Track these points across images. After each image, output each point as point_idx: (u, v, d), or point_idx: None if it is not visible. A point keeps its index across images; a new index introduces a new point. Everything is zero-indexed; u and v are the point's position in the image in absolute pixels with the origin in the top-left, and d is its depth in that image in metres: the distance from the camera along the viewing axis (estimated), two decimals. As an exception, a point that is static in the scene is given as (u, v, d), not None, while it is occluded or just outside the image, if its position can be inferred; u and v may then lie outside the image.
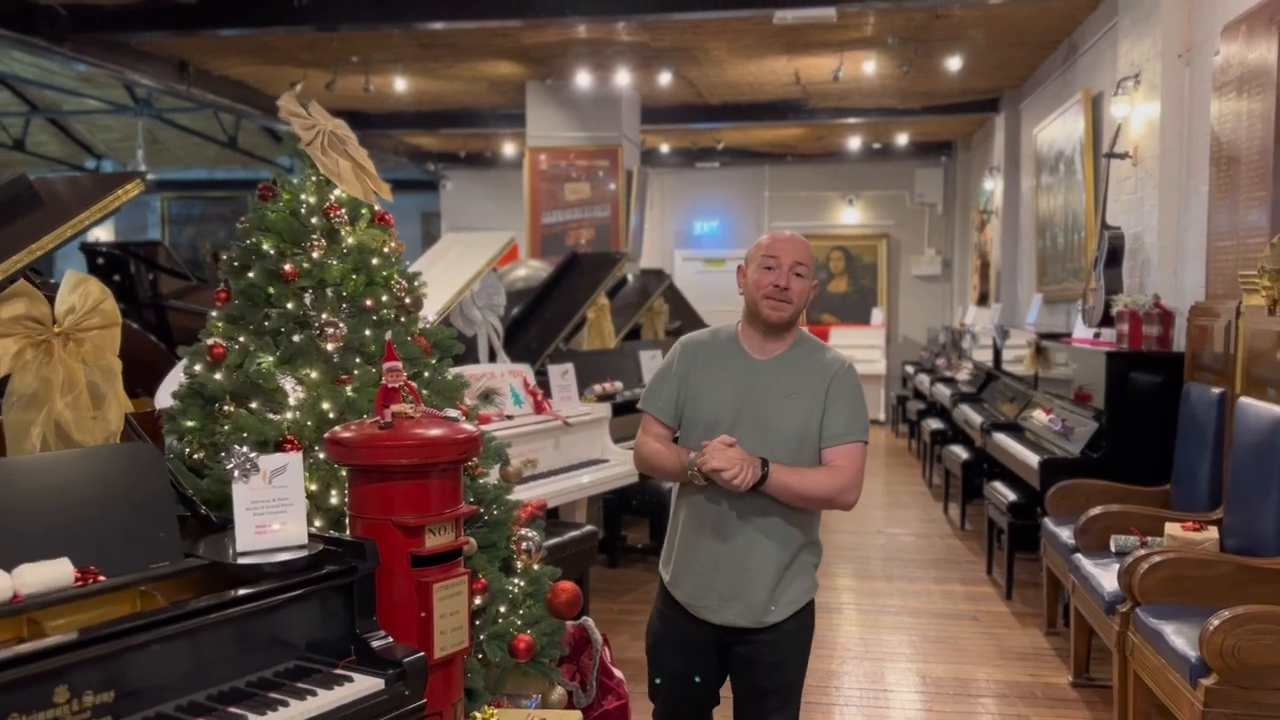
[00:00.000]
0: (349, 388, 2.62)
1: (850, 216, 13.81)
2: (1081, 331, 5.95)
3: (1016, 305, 9.44)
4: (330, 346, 2.64)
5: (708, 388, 2.54)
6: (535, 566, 2.92)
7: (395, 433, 2.19)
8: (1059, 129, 7.74)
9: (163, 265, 6.85)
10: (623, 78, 9.29)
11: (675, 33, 7.98)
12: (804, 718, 2.62)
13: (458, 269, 4.49)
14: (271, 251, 2.68)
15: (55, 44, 7.24)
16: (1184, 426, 4.32)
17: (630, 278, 8.26)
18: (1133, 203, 5.81)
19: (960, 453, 6.99)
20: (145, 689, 1.81)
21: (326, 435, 2.25)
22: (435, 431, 2.23)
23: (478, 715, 2.54)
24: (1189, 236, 5.13)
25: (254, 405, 2.62)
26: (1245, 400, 3.70)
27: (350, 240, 2.74)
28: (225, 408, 2.63)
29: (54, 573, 1.88)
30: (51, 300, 2.12)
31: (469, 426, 2.35)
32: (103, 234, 12.23)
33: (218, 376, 2.66)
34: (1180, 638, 2.98)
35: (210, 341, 2.68)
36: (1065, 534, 4.23)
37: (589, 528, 4.62)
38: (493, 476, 2.98)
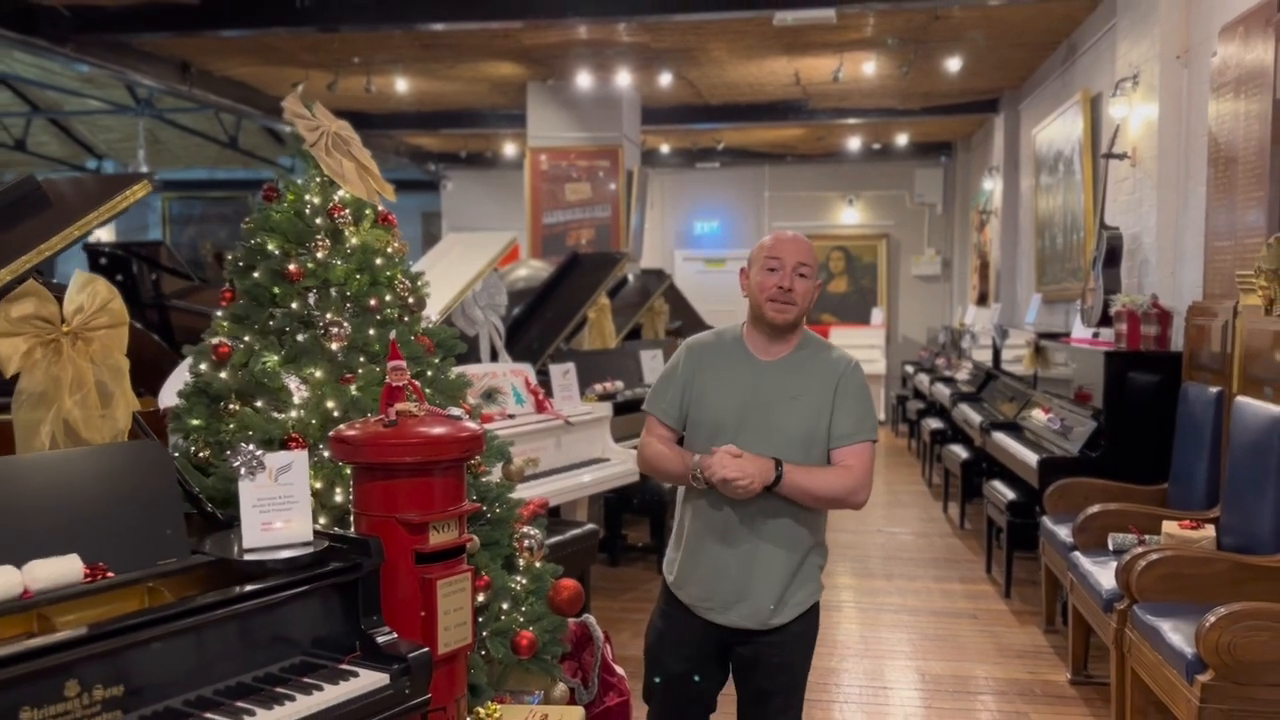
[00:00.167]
0: (353, 386, 2.65)
1: (850, 217, 13.83)
2: (1080, 331, 5.98)
3: (1016, 305, 9.46)
4: (334, 346, 2.67)
5: (713, 390, 2.53)
6: (537, 564, 2.94)
7: (399, 431, 2.22)
8: (1058, 129, 7.76)
9: (165, 265, 6.87)
10: (623, 78, 9.32)
11: (676, 34, 8.00)
12: (804, 715, 2.64)
13: (460, 269, 4.51)
14: (276, 252, 2.71)
15: (58, 45, 7.26)
16: (1182, 426, 4.34)
17: (631, 278, 8.28)
18: (1131, 203, 5.83)
19: (960, 452, 7.01)
20: (154, 684, 1.83)
21: (331, 433, 2.28)
22: (439, 430, 2.25)
23: (481, 711, 2.56)
24: (1187, 237, 5.15)
25: (259, 404, 2.64)
26: (1242, 399, 3.72)
27: (354, 240, 2.76)
28: (230, 406, 2.65)
29: (63, 569, 1.91)
30: (59, 300, 2.14)
31: (472, 425, 2.37)
32: (104, 234, 12.23)
33: (223, 375, 2.68)
34: (1177, 635, 3.00)
35: (215, 341, 2.70)
36: (1064, 532, 4.25)
37: (590, 526, 4.65)
38: (495, 475, 3.00)
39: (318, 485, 2.53)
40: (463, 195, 14.20)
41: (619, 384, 5.93)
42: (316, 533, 2.21)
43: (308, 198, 2.77)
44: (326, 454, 2.54)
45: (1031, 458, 5.06)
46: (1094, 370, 5.03)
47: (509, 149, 12.85)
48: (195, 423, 2.70)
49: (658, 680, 2.65)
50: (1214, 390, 4.10)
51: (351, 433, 2.23)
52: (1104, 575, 3.67)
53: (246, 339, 2.71)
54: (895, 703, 4.06)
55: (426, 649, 2.14)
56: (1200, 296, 4.77)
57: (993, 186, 10.41)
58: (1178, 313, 4.98)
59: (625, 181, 9.85)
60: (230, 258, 2.80)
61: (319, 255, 2.70)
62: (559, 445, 4.75)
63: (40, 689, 1.68)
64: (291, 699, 1.93)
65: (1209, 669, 2.80)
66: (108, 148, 13.17)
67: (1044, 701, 4.03)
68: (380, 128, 11.16)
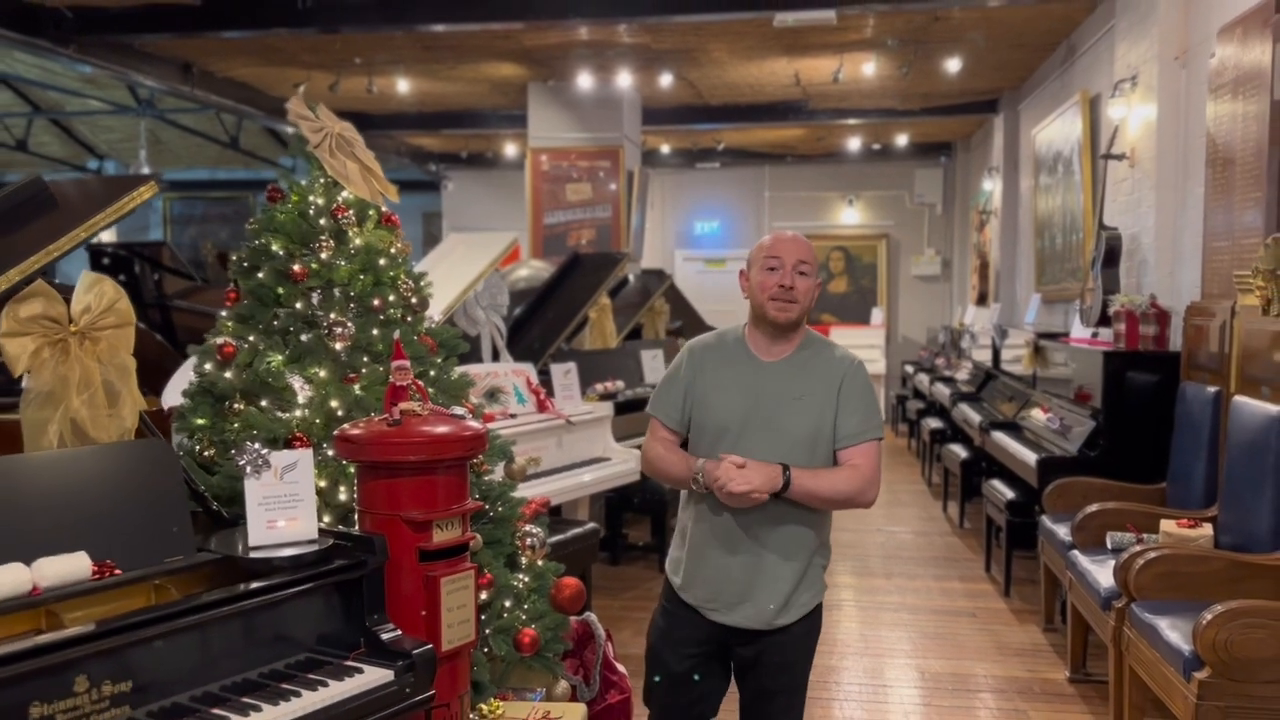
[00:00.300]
0: (357, 386, 2.67)
1: (850, 217, 13.85)
2: (1079, 331, 6.00)
3: (1015, 305, 9.48)
4: (338, 345, 2.69)
5: (715, 392, 2.52)
6: (539, 562, 2.96)
7: (403, 430, 2.24)
8: (1057, 130, 7.78)
9: (167, 265, 6.89)
10: (624, 79, 9.34)
11: (676, 34, 8.02)
12: (804, 713, 2.66)
13: (462, 269, 4.53)
14: (280, 252, 2.73)
15: (61, 46, 7.29)
16: (1180, 425, 4.36)
17: (631, 278, 8.31)
18: (1130, 203, 5.85)
19: (959, 451, 7.03)
20: (161, 679, 1.85)
21: (336, 432, 2.30)
22: (442, 429, 2.27)
23: (484, 708, 2.58)
24: (1185, 237, 5.17)
25: (263, 403, 2.66)
26: (1240, 399, 3.74)
27: (358, 241, 2.79)
28: (235, 406, 2.67)
29: (72, 566, 1.92)
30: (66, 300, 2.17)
31: (475, 424, 2.39)
32: (106, 234, 12.26)
33: (228, 375, 2.70)
34: (1174, 632, 3.03)
35: (220, 340, 2.73)
36: (1062, 531, 4.27)
37: (591, 525, 4.67)
38: (497, 474, 3.02)
39: (322, 484, 2.55)
40: (463, 195, 14.23)
41: (620, 384, 5.96)
42: (321, 531, 2.23)
43: (312, 199, 2.79)
44: (330, 453, 2.56)
45: (1031, 457, 5.09)
46: (1093, 370, 5.06)
47: (510, 149, 12.87)
48: (200, 422, 2.72)
49: (658, 679, 2.64)
50: (1212, 390, 4.12)
51: (356, 431, 2.25)
52: (1102, 574, 3.69)
53: (251, 339, 2.73)
54: (895, 700, 4.09)
55: (430, 646, 2.16)
56: (1198, 297, 4.79)
57: (992, 187, 10.44)
58: (1176, 313, 5.00)
59: (626, 182, 9.87)
60: (235, 258, 2.82)
61: (323, 256, 2.72)
62: (560, 445, 4.77)
63: (50, 684, 1.70)
64: (297, 695, 1.96)
65: (1206, 666, 2.82)
66: (109, 148, 13.20)
67: (1043, 699, 4.05)
68: (381, 128, 11.18)
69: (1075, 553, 4.04)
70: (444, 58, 8.79)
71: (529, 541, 2.94)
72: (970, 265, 11.99)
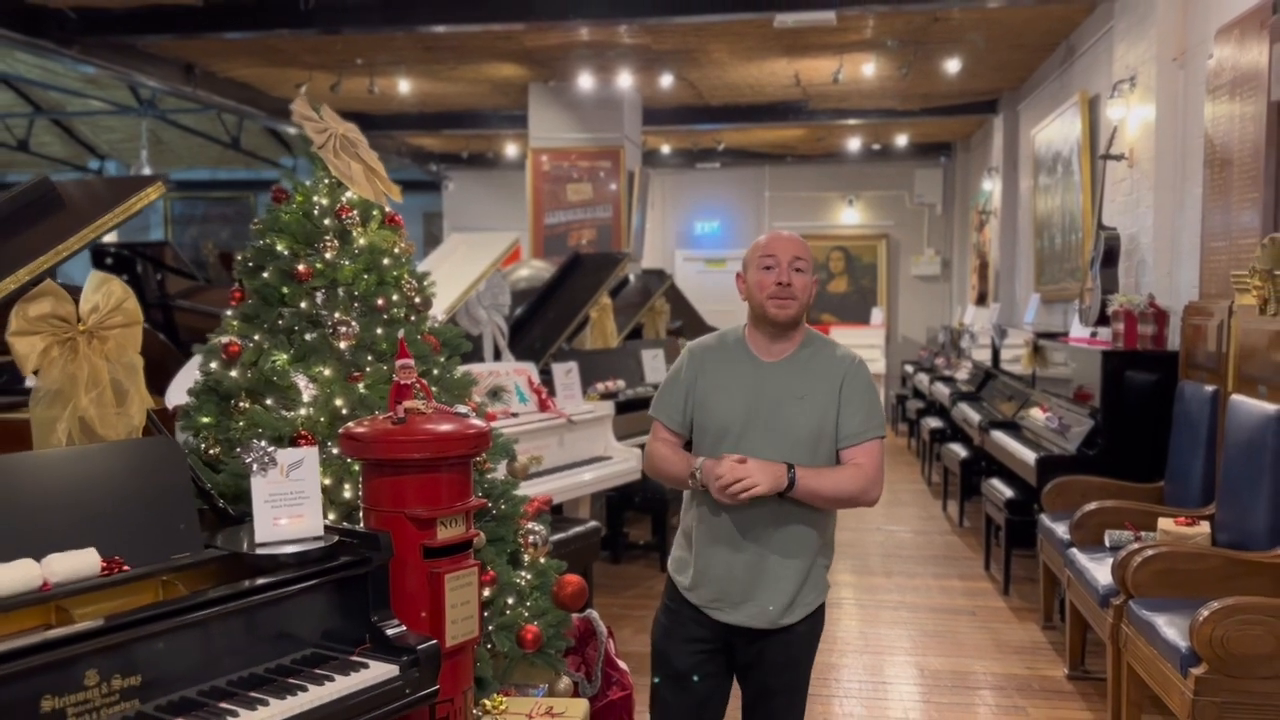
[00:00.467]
0: (361, 385, 2.70)
1: (850, 217, 13.88)
2: (1078, 331, 6.02)
3: (1015, 305, 9.51)
4: (343, 344, 2.72)
5: (717, 393, 2.52)
6: (542, 560, 2.98)
7: (408, 428, 2.26)
8: (1056, 130, 7.81)
9: (169, 265, 6.93)
10: (624, 80, 9.36)
11: (677, 35, 8.05)
12: (805, 710, 2.68)
13: (464, 269, 4.56)
14: (285, 252, 2.76)
15: (64, 47, 7.31)
16: (1178, 424, 4.39)
17: (632, 278, 8.33)
18: (1128, 204, 5.88)
19: (959, 451, 7.06)
20: (169, 674, 1.88)
21: (341, 430, 2.32)
22: (446, 427, 2.29)
23: (487, 703, 2.61)
24: (1183, 237, 5.20)
25: (268, 402, 2.69)
26: (1237, 398, 3.76)
27: (362, 241, 2.81)
28: (240, 404, 2.70)
29: (81, 562, 1.95)
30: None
31: (479, 422, 2.41)
32: (108, 234, 12.29)
33: (233, 374, 2.73)
34: (1172, 629, 3.05)
35: (225, 339, 2.75)
36: (1061, 529, 4.30)
37: (592, 523, 4.69)
38: (500, 472, 3.05)
39: (327, 481, 2.57)
40: (464, 195, 14.25)
41: (620, 383, 5.98)
42: (327, 528, 2.25)
43: (316, 199, 2.82)
44: (335, 451, 2.59)
45: (1030, 456, 5.11)
46: (1092, 369, 5.08)
47: (510, 149, 12.90)
48: (205, 420, 2.74)
49: (662, 680, 2.63)
50: (1209, 389, 4.15)
51: (361, 430, 2.28)
52: (1100, 571, 3.72)
53: (256, 338, 2.76)
54: (895, 698, 4.11)
55: (435, 641, 2.18)
56: (1196, 296, 4.82)
57: (992, 187, 10.46)
58: (1174, 312, 5.03)
59: (626, 182, 9.89)
60: (240, 258, 2.85)
61: (327, 256, 2.75)
62: (562, 443, 4.80)
63: (60, 678, 1.73)
64: (304, 689, 1.98)
65: (1203, 662, 2.85)
66: (110, 148, 13.23)
67: (1041, 696, 4.08)
68: (382, 128, 11.21)
69: (1074, 551, 4.07)
70: (445, 58, 8.81)
71: (531, 539, 2.96)
72: (970, 265, 12.02)
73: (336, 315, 2.73)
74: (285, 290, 2.75)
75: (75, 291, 2.22)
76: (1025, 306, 8.49)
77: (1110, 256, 5.62)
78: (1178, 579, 3.35)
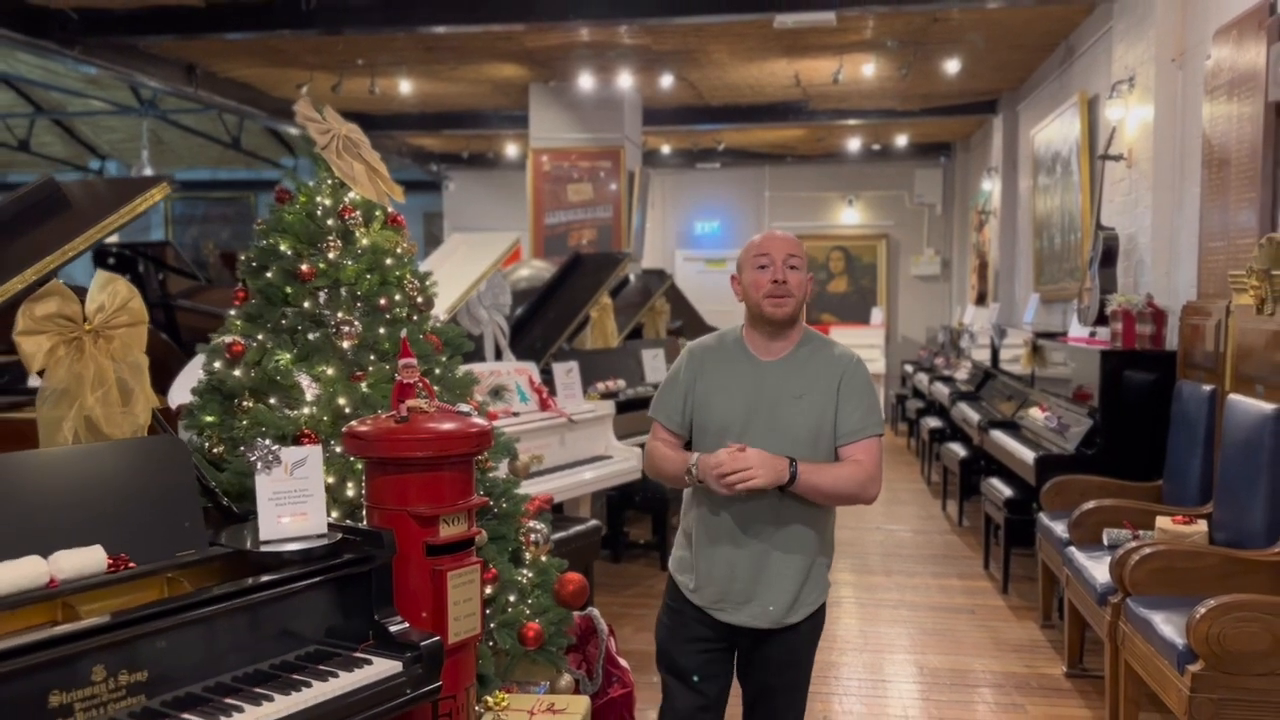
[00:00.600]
0: (364, 384, 2.72)
1: (850, 217, 13.90)
2: (1077, 331, 6.04)
3: (1014, 305, 9.53)
4: (345, 344, 2.74)
5: (716, 393, 2.53)
6: (543, 558, 3.01)
7: (411, 426, 2.28)
8: (1056, 131, 7.83)
9: (171, 265, 6.96)
10: (625, 80, 9.38)
11: (677, 36, 8.07)
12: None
13: (465, 269, 4.58)
14: (288, 252, 2.78)
15: (66, 47, 7.33)
16: (1176, 423, 4.41)
17: (632, 278, 8.35)
18: (1127, 204, 5.90)
19: (958, 450, 7.08)
20: (175, 669, 1.90)
21: (345, 429, 2.34)
22: (449, 425, 2.32)
23: (489, 700, 2.63)
24: (1181, 237, 5.22)
25: (272, 401, 2.71)
26: (1234, 397, 3.78)
27: (364, 241, 2.84)
28: (244, 403, 2.72)
29: (88, 559, 1.97)
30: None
31: (481, 421, 2.43)
32: (112, 235, 12.30)
33: (236, 373, 2.75)
34: (1169, 626, 3.07)
35: (229, 339, 2.78)
36: (1059, 528, 4.32)
37: (593, 522, 4.71)
38: (502, 471, 3.07)
39: (330, 480, 2.59)
40: (464, 195, 14.27)
41: (621, 383, 6.00)
42: (331, 525, 2.27)
43: (319, 199, 2.84)
44: (338, 449, 2.61)
45: (1029, 455, 5.13)
46: (1090, 369, 5.10)
47: (511, 150, 12.92)
48: (209, 419, 2.77)
49: (664, 680, 2.62)
50: (1207, 388, 4.17)
51: (364, 428, 2.30)
52: (1098, 569, 3.74)
53: (259, 337, 2.78)
54: (894, 695, 4.13)
55: (438, 638, 2.20)
56: (1194, 296, 4.84)
57: (991, 187, 10.48)
58: (1172, 312, 5.05)
59: (627, 182, 9.91)
60: (243, 258, 2.87)
61: (330, 256, 2.77)
62: (563, 442, 4.82)
63: (67, 674, 1.75)
64: (308, 685, 2.00)
65: (1199, 659, 2.86)
66: (111, 148, 13.25)
67: (1040, 694, 4.10)
68: (383, 128, 11.23)
69: (1072, 549, 4.09)
70: (445, 59, 8.83)
71: (533, 537, 2.98)
72: (969, 265, 12.04)
73: (339, 315, 2.75)
74: (288, 290, 2.77)
75: (79, 291, 2.24)
76: (1024, 306, 8.51)
77: (1109, 256, 5.64)
78: (1175, 577, 3.37)
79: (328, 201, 2.83)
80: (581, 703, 2.77)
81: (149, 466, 2.18)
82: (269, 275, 2.79)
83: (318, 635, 2.15)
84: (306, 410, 2.67)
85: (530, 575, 2.93)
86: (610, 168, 9.87)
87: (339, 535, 2.23)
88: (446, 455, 2.28)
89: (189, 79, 8.89)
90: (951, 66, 8.59)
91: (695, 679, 2.56)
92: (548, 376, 5.06)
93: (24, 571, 1.88)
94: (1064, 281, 7.51)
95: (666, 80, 9.39)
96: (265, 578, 2.07)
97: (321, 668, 2.07)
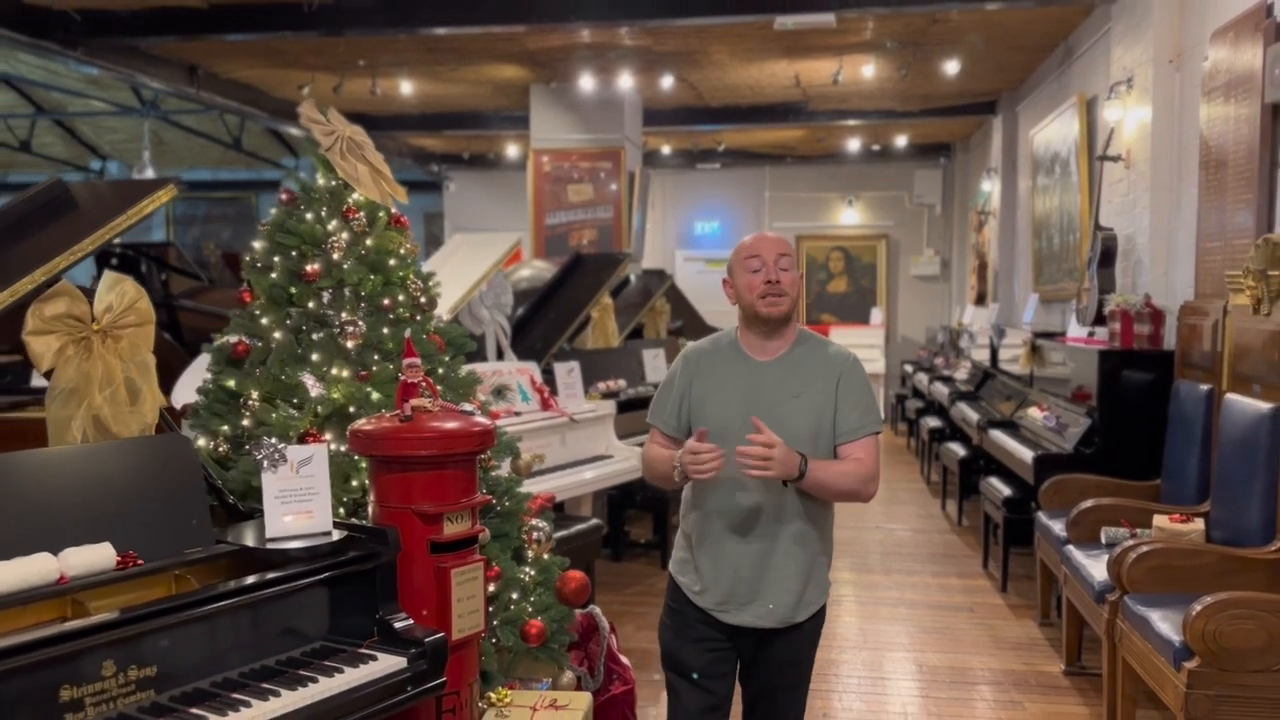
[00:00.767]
0: (368, 383, 2.74)
1: (850, 217, 13.92)
2: (1076, 330, 6.07)
3: (1013, 305, 9.55)
4: (350, 344, 2.76)
5: (712, 394, 2.53)
6: (545, 556, 3.03)
7: (415, 425, 2.31)
8: (1055, 131, 7.85)
9: (173, 265, 6.99)
10: (625, 81, 9.41)
11: (677, 37, 8.09)
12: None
13: (467, 269, 4.61)
14: (293, 253, 2.80)
15: (69, 49, 7.35)
16: (1174, 422, 4.43)
17: (632, 278, 8.38)
18: (1125, 204, 5.92)
19: (958, 450, 7.10)
20: (183, 665, 1.93)
21: (350, 428, 2.37)
22: (452, 424, 2.34)
23: (492, 696, 2.65)
24: (1179, 237, 5.24)
25: (277, 400, 2.73)
26: (1231, 396, 3.81)
27: (368, 242, 2.86)
28: (249, 403, 2.75)
29: (97, 556, 2.00)
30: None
31: (484, 420, 2.46)
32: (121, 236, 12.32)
33: (242, 373, 2.77)
34: (1165, 623, 3.09)
35: (234, 339, 2.80)
36: (1058, 527, 4.35)
37: (594, 521, 4.74)
38: (504, 470, 3.10)
39: (334, 478, 2.62)
40: (465, 196, 14.30)
41: (622, 382, 6.03)
42: (336, 523, 2.30)
43: (323, 201, 2.86)
44: (343, 449, 2.63)
45: (1027, 455, 5.15)
46: (1089, 369, 5.12)
47: (511, 150, 12.95)
48: (214, 419, 2.79)
49: (670, 682, 2.61)
50: (1204, 388, 4.19)
51: (369, 427, 2.32)
52: (1096, 568, 3.76)
53: (265, 337, 2.81)
54: (893, 693, 4.16)
55: (442, 634, 2.23)
56: (1192, 296, 4.86)
57: (991, 187, 10.50)
58: (1170, 312, 5.07)
59: (627, 182, 9.94)
60: (248, 259, 2.89)
61: (334, 256, 2.79)
62: (564, 442, 4.84)
63: (78, 669, 1.78)
64: (314, 680, 2.03)
65: (1195, 656, 2.89)
66: (112, 149, 13.27)
67: (1038, 691, 4.12)
68: (384, 129, 11.25)
69: (1070, 548, 4.11)
70: (446, 60, 8.86)
71: (535, 535, 3.01)
72: (969, 265, 12.06)
73: (344, 315, 2.78)
74: (293, 290, 2.80)
75: (85, 292, 2.27)
76: (1023, 306, 8.54)
77: (1107, 257, 5.67)
78: (1172, 575, 3.40)
79: (332, 203, 2.86)
80: (584, 698, 2.80)
81: (156, 465, 2.20)
82: (274, 276, 2.81)
83: (323, 631, 2.17)
84: (311, 410, 2.69)
85: (532, 573, 2.96)
86: (611, 168, 9.90)
87: (344, 533, 2.26)
88: (450, 454, 2.31)
89: (191, 80, 8.91)
90: (951, 67, 8.62)
91: (695, 676, 2.56)
92: (549, 376, 5.08)
93: (34, 568, 1.91)
94: (1063, 282, 7.54)
95: (667, 81, 9.41)
96: (271, 575, 2.09)
97: (327, 663, 2.10)
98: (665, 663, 2.63)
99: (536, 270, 8.03)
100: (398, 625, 2.21)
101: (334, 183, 2.87)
